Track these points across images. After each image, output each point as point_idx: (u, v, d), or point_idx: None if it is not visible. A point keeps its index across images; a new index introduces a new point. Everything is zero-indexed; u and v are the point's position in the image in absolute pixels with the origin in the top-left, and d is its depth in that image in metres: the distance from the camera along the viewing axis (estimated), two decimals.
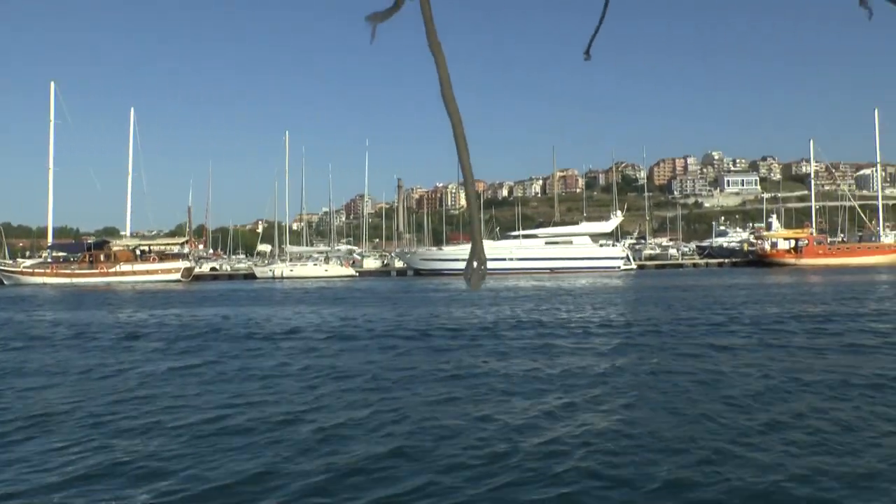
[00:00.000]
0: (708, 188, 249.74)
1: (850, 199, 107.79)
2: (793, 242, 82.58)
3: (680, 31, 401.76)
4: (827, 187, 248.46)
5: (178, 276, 65.37)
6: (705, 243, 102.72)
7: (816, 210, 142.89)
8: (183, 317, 27.95)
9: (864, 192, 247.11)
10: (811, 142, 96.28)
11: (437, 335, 19.87)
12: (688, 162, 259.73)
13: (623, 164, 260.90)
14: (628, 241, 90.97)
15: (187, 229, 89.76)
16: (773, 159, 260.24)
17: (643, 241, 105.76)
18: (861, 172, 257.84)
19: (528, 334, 19.80)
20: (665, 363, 14.44)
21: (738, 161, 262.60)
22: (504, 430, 9.14)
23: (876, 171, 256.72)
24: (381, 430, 9.31)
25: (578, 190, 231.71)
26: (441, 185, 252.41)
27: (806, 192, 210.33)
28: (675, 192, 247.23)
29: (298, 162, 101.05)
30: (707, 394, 11.27)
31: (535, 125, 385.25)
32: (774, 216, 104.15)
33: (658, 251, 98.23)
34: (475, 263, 1.48)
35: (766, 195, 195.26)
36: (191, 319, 26.67)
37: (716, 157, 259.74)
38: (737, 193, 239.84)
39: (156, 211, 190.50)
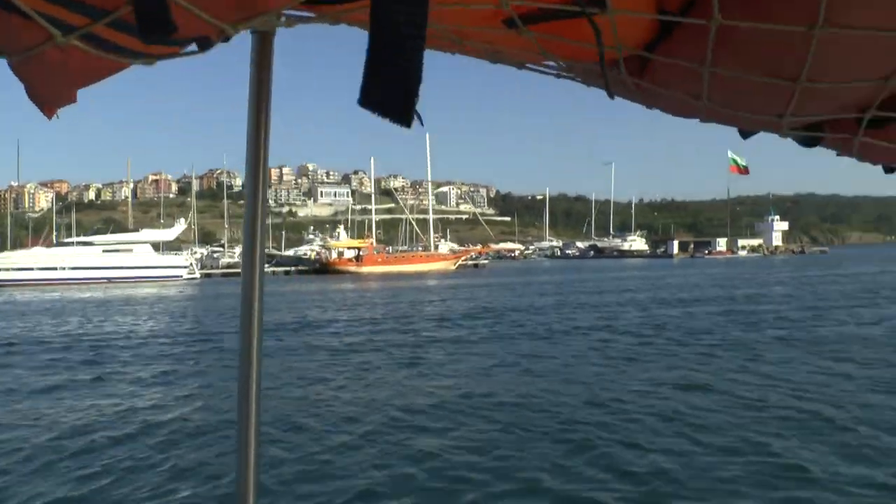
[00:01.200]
0: (302, 198, 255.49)
1: (405, 213, 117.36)
2: (356, 251, 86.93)
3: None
4: (411, 202, 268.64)
5: None
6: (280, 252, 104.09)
7: (392, 222, 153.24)
8: None
9: (443, 207, 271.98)
10: (371, 159, 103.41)
11: None
12: (283, 172, 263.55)
13: (219, 171, 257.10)
14: (195, 250, 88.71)
15: None
16: (364, 173, 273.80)
17: (222, 250, 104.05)
18: (440, 189, 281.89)
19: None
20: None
21: (331, 173, 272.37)
22: None
23: (450, 189, 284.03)
24: None
25: (172, 195, 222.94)
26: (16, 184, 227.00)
27: (394, 204, 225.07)
28: (271, 201, 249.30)
29: None
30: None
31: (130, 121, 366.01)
32: (342, 227, 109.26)
33: (238, 259, 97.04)
34: None
35: (357, 206, 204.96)
36: None
37: (310, 169, 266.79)
38: (330, 204, 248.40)
39: None
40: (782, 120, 1.32)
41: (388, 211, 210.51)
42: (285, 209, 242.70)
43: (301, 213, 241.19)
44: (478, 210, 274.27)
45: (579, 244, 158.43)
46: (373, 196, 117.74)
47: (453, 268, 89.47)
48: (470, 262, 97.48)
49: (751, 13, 1.09)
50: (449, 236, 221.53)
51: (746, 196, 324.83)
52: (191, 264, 74.33)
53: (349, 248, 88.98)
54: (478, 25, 1.25)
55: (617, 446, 9.20)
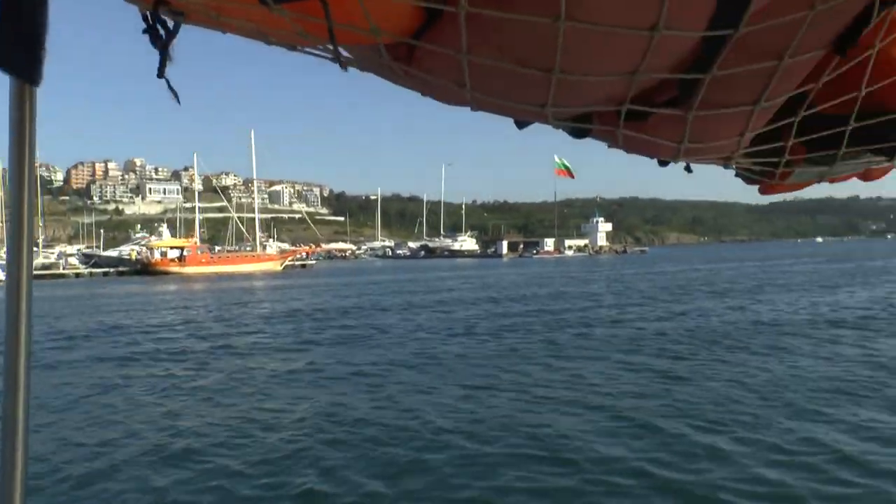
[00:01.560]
0: (129, 195, 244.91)
1: (231, 212, 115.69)
2: (179, 252, 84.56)
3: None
4: (244, 200, 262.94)
5: None
6: (94, 252, 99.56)
7: (224, 221, 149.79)
8: None
9: (276, 206, 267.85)
10: (195, 155, 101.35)
11: None
12: (108, 167, 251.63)
13: (37, 164, 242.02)
14: None
15: None
16: (195, 170, 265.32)
17: (35, 250, 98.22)
18: (273, 188, 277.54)
19: None
20: None
21: (160, 169, 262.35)
22: None
23: (283, 188, 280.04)
24: None
25: None
26: None
27: (225, 203, 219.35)
28: (95, 198, 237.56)
29: None
30: None
31: None
32: (165, 225, 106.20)
33: (53, 259, 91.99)
34: None
35: (187, 204, 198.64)
36: None
37: (138, 164, 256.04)
38: (159, 202, 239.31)
39: None
40: (545, 110, 1.35)
41: (220, 210, 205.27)
42: (111, 206, 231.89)
43: (129, 210, 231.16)
44: (311, 209, 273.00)
45: (411, 244, 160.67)
46: (196, 194, 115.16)
47: (280, 268, 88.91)
48: (297, 263, 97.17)
49: (496, 2, 1.10)
50: (282, 236, 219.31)
51: (575, 199, 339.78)
52: None
53: (172, 247, 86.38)
54: (233, 1, 1.21)
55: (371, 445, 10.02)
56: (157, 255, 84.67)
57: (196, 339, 22.23)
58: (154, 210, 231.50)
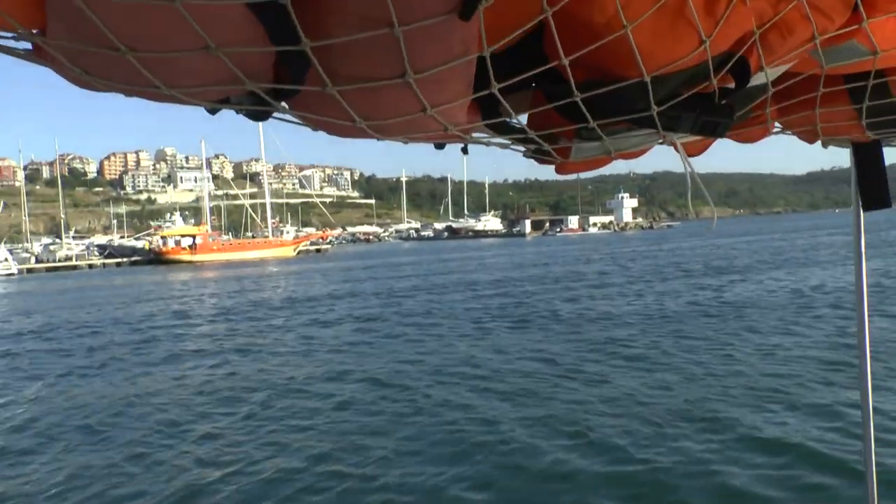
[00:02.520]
0: (161, 184, 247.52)
1: (242, 199, 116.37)
2: (192, 240, 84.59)
3: None
4: (275, 185, 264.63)
5: None
6: (106, 242, 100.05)
7: (253, 207, 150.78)
8: None
9: (307, 191, 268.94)
10: (202, 142, 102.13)
11: None
12: (140, 157, 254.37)
13: (70, 157, 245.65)
14: (3, 245, 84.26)
15: None
16: (225, 157, 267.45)
17: (59, 241, 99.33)
18: (304, 173, 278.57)
19: None
20: None
21: (190, 158, 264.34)
22: None
23: (314, 172, 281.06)
24: None
25: (17, 183, 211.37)
26: None
27: (256, 189, 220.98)
28: (128, 188, 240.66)
29: None
30: None
31: None
32: (177, 214, 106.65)
33: (78, 251, 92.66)
34: None
35: (218, 192, 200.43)
36: None
37: (168, 154, 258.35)
38: (190, 190, 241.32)
39: None
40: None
41: (250, 196, 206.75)
42: (144, 196, 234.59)
43: (161, 199, 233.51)
44: (342, 193, 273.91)
45: (437, 225, 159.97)
46: (206, 181, 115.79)
47: (293, 254, 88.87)
48: (312, 248, 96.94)
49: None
50: (313, 220, 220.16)
51: (609, 175, 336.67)
52: (6, 259, 70.60)
53: (183, 235, 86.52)
54: None
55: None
56: (171, 244, 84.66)
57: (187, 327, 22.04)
58: (186, 198, 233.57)
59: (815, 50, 1.54)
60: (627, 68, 1.35)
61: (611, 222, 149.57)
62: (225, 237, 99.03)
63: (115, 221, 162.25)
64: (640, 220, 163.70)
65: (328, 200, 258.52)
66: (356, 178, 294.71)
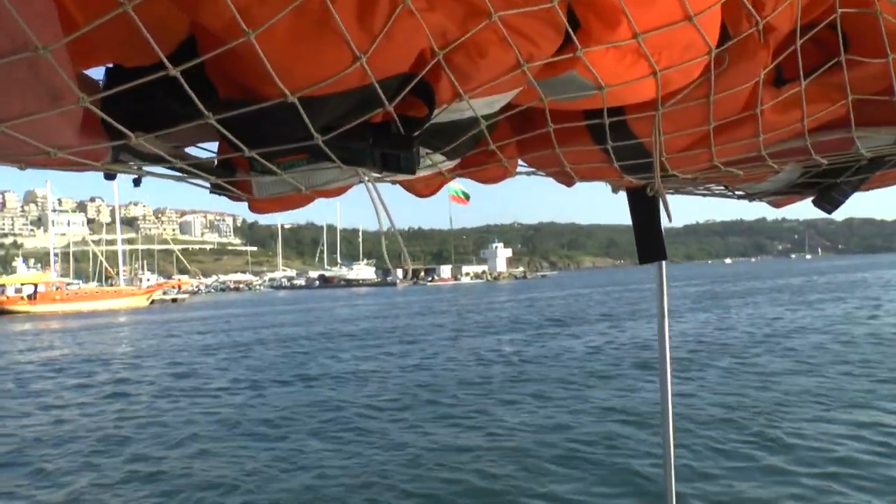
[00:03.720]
0: (30, 227, 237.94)
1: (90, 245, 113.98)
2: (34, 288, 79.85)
3: None
4: (154, 231, 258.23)
5: None
6: None
7: (139, 253, 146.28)
8: None
9: (187, 237, 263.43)
10: (48, 183, 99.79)
11: None
12: (6, 198, 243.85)
13: None
14: None
15: None
16: (102, 200, 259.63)
17: None
18: (184, 218, 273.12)
19: None
20: None
21: (63, 200, 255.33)
22: None
23: (194, 218, 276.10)
24: None
25: None
26: None
27: (134, 234, 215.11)
28: None
29: None
30: None
31: None
32: (19, 259, 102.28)
33: None
34: None
35: (94, 237, 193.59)
36: None
37: (40, 195, 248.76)
38: (63, 234, 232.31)
39: None
40: None
41: (129, 241, 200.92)
42: (9, 240, 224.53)
43: (29, 244, 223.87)
44: (224, 240, 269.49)
45: (311, 274, 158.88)
46: (60, 216, 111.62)
47: (146, 304, 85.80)
48: (168, 297, 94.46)
49: None
50: (193, 267, 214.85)
51: (494, 224, 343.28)
52: None
53: (24, 283, 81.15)
54: None
55: None
56: (10, 292, 79.28)
57: None
58: (59, 243, 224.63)
59: (532, 80, 1.41)
60: (266, 85, 1.17)
61: (484, 272, 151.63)
62: (74, 285, 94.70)
63: None
64: (514, 269, 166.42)
65: (209, 247, 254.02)
66: (238, 224, 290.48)
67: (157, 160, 1.47)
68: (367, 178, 1.65)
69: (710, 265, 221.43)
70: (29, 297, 77.94)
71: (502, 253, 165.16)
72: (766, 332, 25.42)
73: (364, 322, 43.07)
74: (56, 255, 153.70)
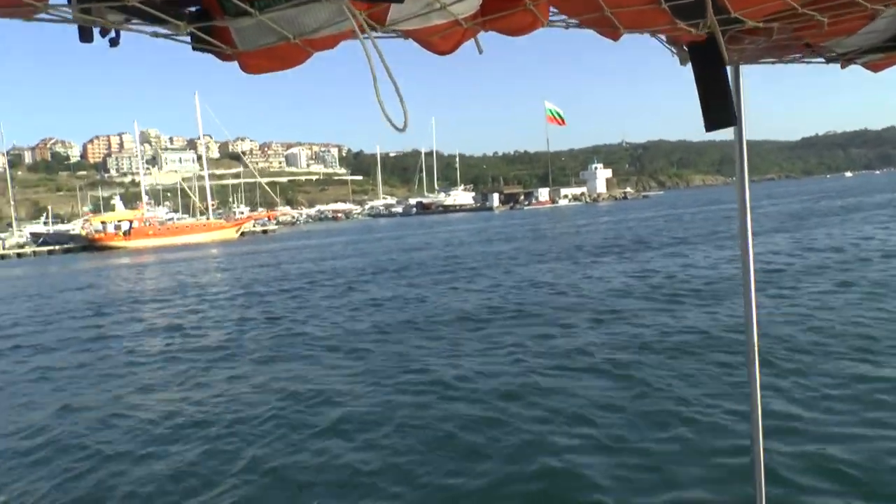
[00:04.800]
0: (146, 166, 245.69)
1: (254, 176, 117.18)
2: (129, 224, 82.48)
3: None
4: (261, 164, 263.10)
5: None
6: (42, 229, 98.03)
7: (240, 186, 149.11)
8: None
9: (293, 169, 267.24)
10: (134, 123, 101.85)
11: None
12: (123, 139, 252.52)
13: (52, 141, 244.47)
14: None
15: None
16: (210, 137, 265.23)
17: (10, 229, 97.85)
18: (290, 151, 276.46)
19: None
20: None
21: (174, 139, 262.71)
22: None
23: (300, 150, 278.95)
24: None
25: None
26: None
27: (241, 168, 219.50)
28: (112, 171, 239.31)
29: None
30: None
31: None
32: (118, 196, 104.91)
33: (27, 239, 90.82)
34: None
35: (203, 172, 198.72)
36: None
37: (152, 135, 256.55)
38: (175, 171, 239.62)
39: None
40: None
41: (236, 176, 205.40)
42: (128, 178, 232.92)
43: (145, 181, 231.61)
44: (329, 170, 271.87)
45: (411, 201, 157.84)
46: (141, 159, 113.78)
47: (236, 236, 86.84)
48: (258, 229, 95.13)
49: None
50: (298, 198, 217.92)
51: (602, 145, 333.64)
52: None
53: (121, 220, 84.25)
54: None
55: None
56: (110, 229, 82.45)
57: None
58: (171, 180, 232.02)
59: None
60: None
61: (582, 194, 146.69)
62: (171, 220, 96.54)
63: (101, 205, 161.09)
64: (616, 190, 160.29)
65: (314, 178, 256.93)
66: (344, 154, 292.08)
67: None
68: (364, 36, 1.45)
69: (828, 179, 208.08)
70: (125, 233, 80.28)
71: (602, 174, 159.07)
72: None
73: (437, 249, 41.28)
74: (170, 192, 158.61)
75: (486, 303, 17.74)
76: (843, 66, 2.23)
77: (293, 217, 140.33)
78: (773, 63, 2.21)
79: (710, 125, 2.20)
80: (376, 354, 12.68)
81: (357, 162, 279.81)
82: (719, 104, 2.15)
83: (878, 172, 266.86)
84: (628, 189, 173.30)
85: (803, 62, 2.33)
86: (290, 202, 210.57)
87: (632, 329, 13.09)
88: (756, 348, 2.57)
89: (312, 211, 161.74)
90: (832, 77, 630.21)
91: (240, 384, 11.31)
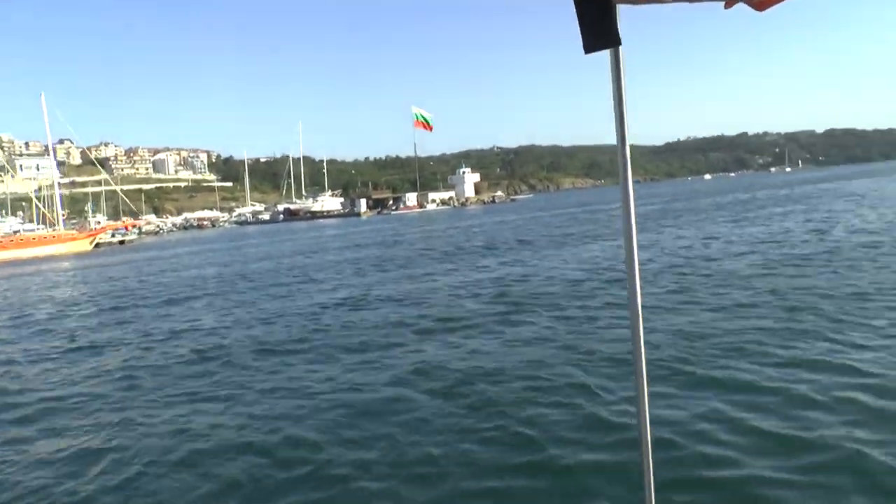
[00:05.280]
0: None
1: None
2: None
3: None
4: (127, 171, 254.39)
5: None
6: None
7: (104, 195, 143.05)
8: None
9: (161, 175, 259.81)
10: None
11: None
12: None
13: None
14: None
15: None
16: (72, 143, 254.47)
17: None
18: (157, 156, 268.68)
19: None
20: None
21: (31, 144, 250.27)
22: None
23: (167, 156, 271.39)
24: None
25: None
26: None
27: (106, 176, 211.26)
28: None
29: None
30: None
31: None
32: None
33: None
34: None
35: (64, 180, 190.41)
36: None
37: (5, 140, 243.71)
38: (33, 179, 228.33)
39: None
40: None
41: (100, 183, 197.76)
42: None
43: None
44: (198, 176, 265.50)
45: (279, 207, 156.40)
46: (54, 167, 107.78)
47: (90, 248, 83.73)
48: (115, 240, 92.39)
49: None
50: (167, 206, 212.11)
51: (475, 150, 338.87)
52: None
53: None
54: None
55: None
56: None
57: None
58: (28, 188, 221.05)
59: None
60: None
61: (451, 198, 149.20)
62: (18, 231, 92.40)
63: None
64: (485, 195, 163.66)
65: (183, 184, 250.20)
66: (213, 160, 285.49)
67: None
68: None
69: (689, 182, 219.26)
70: None
71: (470, 178, 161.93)
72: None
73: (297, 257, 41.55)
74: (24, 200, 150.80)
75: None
76: (727, 6, 2.05)
77: (157, 226, 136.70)
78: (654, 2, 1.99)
79: (589, 45, 1.97)
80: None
81: (227, 168, 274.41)
82: (600, 18, 1.95)
83: (732, 175, 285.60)
84: (498, 193, 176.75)
85: (686, 0, 2.07)
86: (157, 210, 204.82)
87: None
88: (642, 342, 2.27)
89: (179, 219, 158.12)
90: (693, 84, 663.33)
91: None
